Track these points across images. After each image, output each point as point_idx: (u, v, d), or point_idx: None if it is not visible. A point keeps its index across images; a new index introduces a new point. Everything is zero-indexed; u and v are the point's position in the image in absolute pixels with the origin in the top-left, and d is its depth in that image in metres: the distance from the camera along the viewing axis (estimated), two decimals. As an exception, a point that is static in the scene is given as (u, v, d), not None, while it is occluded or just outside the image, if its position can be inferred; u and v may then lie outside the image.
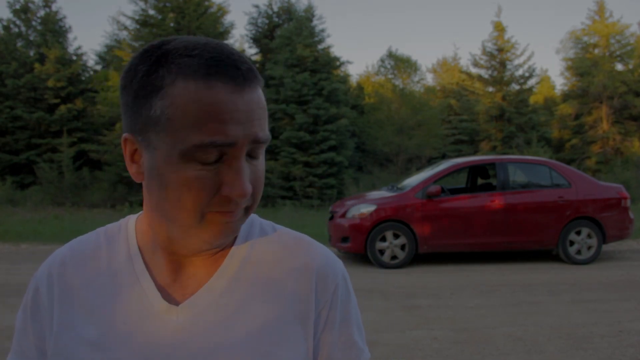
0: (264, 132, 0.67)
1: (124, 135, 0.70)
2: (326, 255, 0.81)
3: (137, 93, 0.66)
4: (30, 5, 18.86)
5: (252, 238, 0.79)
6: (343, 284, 0.81)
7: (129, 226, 0.80)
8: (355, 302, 0.84)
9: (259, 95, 0.67)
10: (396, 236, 7.37)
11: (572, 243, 7.55)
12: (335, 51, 39.47)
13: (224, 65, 0.64)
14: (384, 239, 7.34)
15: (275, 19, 20.71)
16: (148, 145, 0.67)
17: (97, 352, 0.71)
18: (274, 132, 16.39)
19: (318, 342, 0.77)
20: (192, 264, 0.75)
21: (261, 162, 0.70)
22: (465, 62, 46.66)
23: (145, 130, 0.66)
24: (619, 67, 22.56)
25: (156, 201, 0.69)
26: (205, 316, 0.72)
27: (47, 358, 0.76)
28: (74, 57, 19.27)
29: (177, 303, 0.73)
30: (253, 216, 0.83)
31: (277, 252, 0.78)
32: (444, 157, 20.10)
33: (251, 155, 0.68)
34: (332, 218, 7.83)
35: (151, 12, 16.84)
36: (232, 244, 0.77)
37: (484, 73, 23.03)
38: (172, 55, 0.65)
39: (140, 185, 0.74)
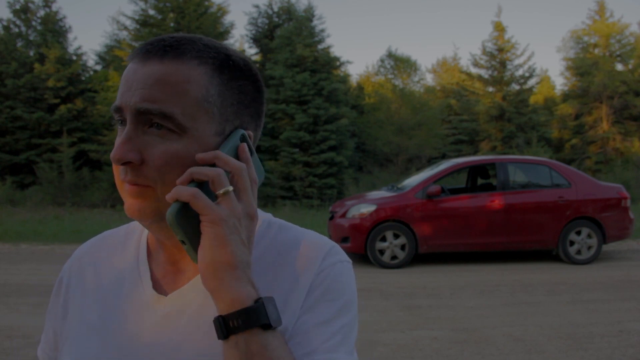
0: (149, 104, 0.66)
1: None
2: (327, 252, 0.75)
3: None
4: (30, 5, 18.86)
5: (264, 231, 0.78)
6: (332, 273, 0.73)
7: None
8: (352, 315, 0.73)
9: (166, 68, 0.67)
10: (396, 236, 7.37)
11: (572, 243, 7.55)
12: (335, 51, 39.48)
13: (142, 44, 0.71)
14: (384, 239, 7.34)
15: (275, 19, 20.70)
16: None
17: (96, 335, 0.76)
18: (274, 132, 16.39)
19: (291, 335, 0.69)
20: (183, 257, 0.76)
21: (165, 143, 0.67)
22: (465, 62, 46.64)
23: None
24: (619, 67, 22.56)
25: None
26: (189, 308, 0.72)
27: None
28: (74, 57, 19.26)
29: (166, 294, 0.75)
30: (267, 215, 0.82)
31: (274, 249, 0.76)
32: (444, 157, 20.09)
33: (150, 132, 0.68)
34: (332, 218, 7.83)
35: (151, 12, 16.84)
36: None
37: (484, 73, 23.02)
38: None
39: None
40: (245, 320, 0.61)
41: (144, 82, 0.67)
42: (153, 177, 0.67)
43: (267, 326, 0.62)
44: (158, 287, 0.76)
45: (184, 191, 0.62)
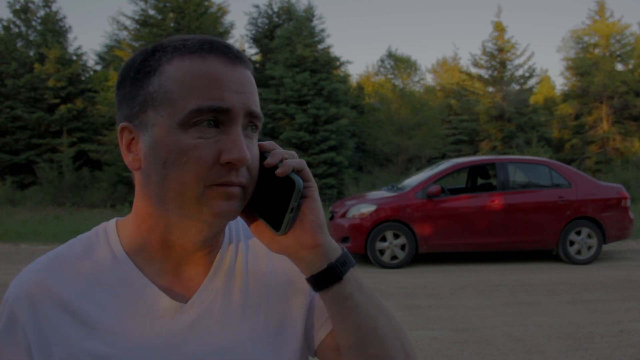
0: (257, 108, 0.72)
1: (121, 124, 0.72)
2: None
3: (135, 78, 0.71)
4: (30, 5, 18.87)
5: (239, 234, 0.84)
6: None
7: (109, 232, 0.78)
8: None
9: (249, 75, 0.73)
10: (396, 236, 7.36)
11: (572, 243, 7.54)
12: (335, 51, 39.47)
13: (217, 44, 0.71)
14: (384, 239, 7.34)
15: (275, 19, 20.71)
16: (146, 126, 0.69)
17: None
18: (274, 132, 16.38)
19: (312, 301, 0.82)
20: (191, 263, 0.77)
21: (256, 145, 0.73)
22: (465, 62, 46.62)
23: (143, 110, 0.69)
24: (619, 67, 22.56)
25: (156, 184, 0.70)
26: (211, 311, 0.75)
27: None
28: (74, 57, 19.28)
29: (183, 301, 0.75)
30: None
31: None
32: (444, 157, 20.10)
33: (246, 134, 0.71)
34: (332, 218, 7.83)
35: (151, 12, 16.84)
36: (222, 241, 0.81)
37: (484, 73, 23.03)
38: (168, 42, 0.72)
39: None
40: (348, 261, 0.74)
41: (245, 86, 0.70)
42: (250, 177, 0.71)
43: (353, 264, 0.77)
44: (171, 296, 0.75)
45: (297, 162, 0.72)
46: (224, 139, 0.68)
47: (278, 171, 0.70)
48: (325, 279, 0.72)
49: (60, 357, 0.70)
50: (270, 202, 0.72)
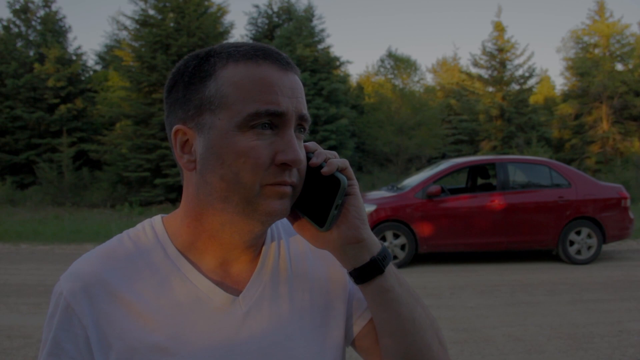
0: (307, 111, 0.76)
1: (175, 127, 0.75)
2: None
3: (189, 82, 0.74)
4: (30, 5, 18.90)
5: (280, 233, 0.87)
6: None
7: (157, 229, 0.80)
8: None
9: (298, 80, 0.77)
10: (396, 236, 7.36)
11: (572, 243, 7.54)
12: (335, 51, 39.48)
13: (269, 50, 0.74)
14: (383, 239, 7.33)
15: (275, 19, 20.72)
16: (202, 128, 0.73)
17: (169, 356, 0.73)
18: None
19: (352, 298, 0.86)
20: (239, 259, 0.80)
21: (302, 146, 0.76)
22: (465, 62, 46.67)
23: (199, 113, 0.73)
24: (619, 67, 22.57)
25: (212, 184, 0.72)
26: (261, 303, 0.79)
27: None
28: (74, 57, 19.30)
29: (235, 295, 0.78)
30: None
31: (305, 242, 0.86)
32: (444, 157, 20.09)
33: (296, 135, 0.75)
34: (332, 218, 7.82)
35: (151, 12, 16.85)
36: (265, 239, 0.84)
37: (484, 73, 23.05)
38: (221, 48, 0.75)
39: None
40: (388, 255, 0.78)
41: (296, 91, 0.74)
42: (299, 176, 0.75)
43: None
44: (225, 290, 0.78)
45: (341, 162, 0.76)
46: (278, 140, 0.72)
47: (324, 170, 0.74)
48: (367, 272, 0.77)
49: (120, 350, 0.72)
50: (314, 199, 0.75)
